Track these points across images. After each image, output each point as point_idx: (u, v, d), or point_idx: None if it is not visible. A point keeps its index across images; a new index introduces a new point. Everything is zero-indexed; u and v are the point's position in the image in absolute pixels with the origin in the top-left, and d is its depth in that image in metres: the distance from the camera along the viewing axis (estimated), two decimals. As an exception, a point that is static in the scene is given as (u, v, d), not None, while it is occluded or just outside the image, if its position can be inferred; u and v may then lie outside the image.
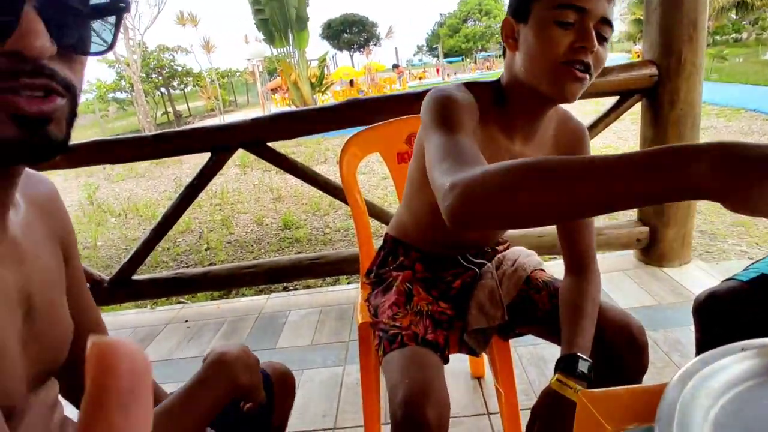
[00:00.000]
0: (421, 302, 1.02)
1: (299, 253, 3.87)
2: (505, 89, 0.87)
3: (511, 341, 1.14)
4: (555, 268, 1.18)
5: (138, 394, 0.12)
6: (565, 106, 0.92)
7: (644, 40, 2.07)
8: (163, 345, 2.14)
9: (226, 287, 2.56)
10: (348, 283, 2.86)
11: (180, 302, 2.75)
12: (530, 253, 1.14)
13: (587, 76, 0.77)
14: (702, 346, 0.98)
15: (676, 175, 0.41)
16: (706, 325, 1.00)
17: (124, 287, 2.35)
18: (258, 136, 2.07)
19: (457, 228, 0.59)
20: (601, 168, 0.46)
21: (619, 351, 0.88)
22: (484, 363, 1.62)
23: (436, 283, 1.08)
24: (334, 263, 2.32)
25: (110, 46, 0.45)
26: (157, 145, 2.13)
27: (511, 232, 2.03)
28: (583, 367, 0.81)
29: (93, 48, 0.44)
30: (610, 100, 2.16)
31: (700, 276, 2.13)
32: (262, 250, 4.05)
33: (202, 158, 2.15)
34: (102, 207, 6.55)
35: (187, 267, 3.85)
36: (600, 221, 2.29)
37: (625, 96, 2.08)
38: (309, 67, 16.82)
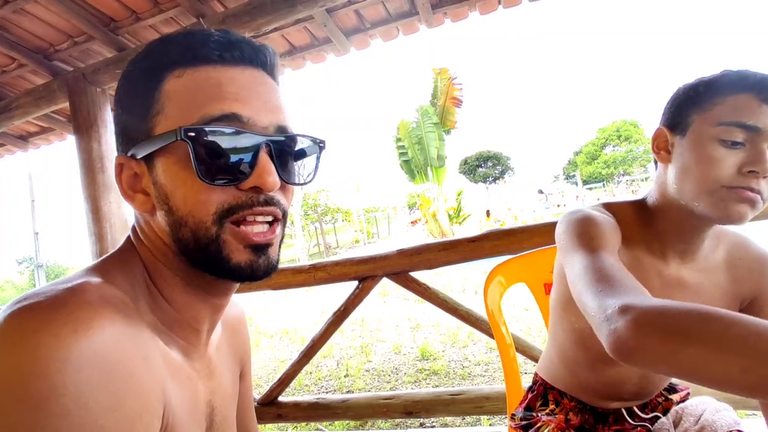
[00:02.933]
0: None
1: (437, 386, 3.69)
2: (652, 205, 0.80)
3: None
4: (759, 428, 0.93)
5: None
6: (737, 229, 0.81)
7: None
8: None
9: (363, 417, 2.52)
10: (490, 425, 2.59)
11: (317, 429, 2.76)
12: (721, 408, 0.92)
13: (758, 198, 0.65)
14: None
15: None
16: None
17: (271, 408, 2.46)
18: (402, 266, 2.18)
19: (621, 359, 0.52)
20: None
21: None
22: None
23: None
24: (476, 401, 2.15)
25: (313, 177, 0.57)
26: (313, 273, 2.36)
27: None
28: None
29: (301, 179, 0.56)
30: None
31: None
32: (399, 381, 3.96)
33: (346, 285, 2.31)
34: (258, 329, 7.24)
35: (327, 393, 3.91)
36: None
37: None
38: (447, 200, 17.77)
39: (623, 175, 44.11)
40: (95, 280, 0.45)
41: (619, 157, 45.82)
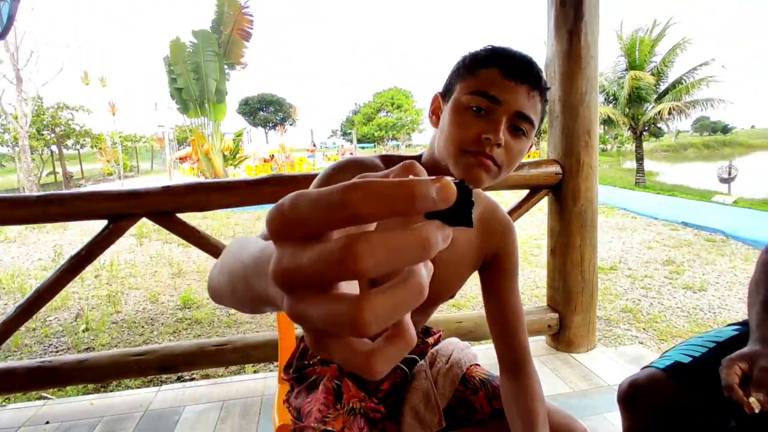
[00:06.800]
0: (352, 399, 0.90)
1: (199, 336, 3.48)
2: (424, 162, 0.86)
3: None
4: (482, 353, 1.12)
5: None
6: (492, 196, 0.94)
7: (549, 142, 2.30)
8: (12, 456, 1.70)
9: (106, 379, 2.16)
10: (254, 372, 2.58)
11: (42, 397, 2.26)
12: (465, 346, 1.07)
13: (490, 163, 0.73)
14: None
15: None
16: (631, 413, 1.01)
17: (-33, 380, 1.88)
18: (169, 206, 1.89)
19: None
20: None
21: None
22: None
23: (362, 383, 0.97)
24: (243, 350, 2.08)
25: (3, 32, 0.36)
26: (42, 207, 1.84)
27: (433, 318, 1.97)
28: None
29: None
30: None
31: (606, 362, 2.23)
32: (155, 332, 3.58)
33: (93, 225, 1.89)
34: (-47, 276, 5.51)
35: (57, 353, 3.25)
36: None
37: (535, 190, 2.26)
38: (223, 139, 16.58)
39: (392, 139, 49.15)
40: None
41: (390, 122, 50.71)
